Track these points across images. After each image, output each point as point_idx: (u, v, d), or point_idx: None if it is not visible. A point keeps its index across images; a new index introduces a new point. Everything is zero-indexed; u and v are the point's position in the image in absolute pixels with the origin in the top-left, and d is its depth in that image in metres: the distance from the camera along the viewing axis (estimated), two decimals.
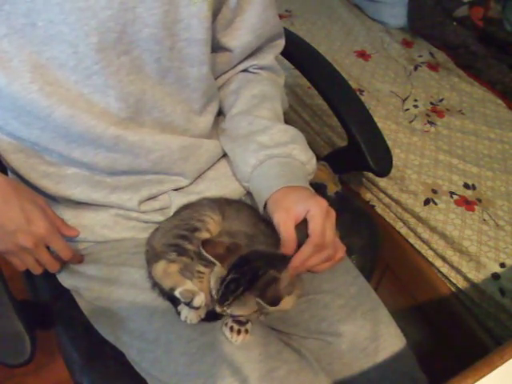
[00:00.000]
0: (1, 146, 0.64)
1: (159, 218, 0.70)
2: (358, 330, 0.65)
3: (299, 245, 0.60)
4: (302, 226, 0.61)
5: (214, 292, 0.55)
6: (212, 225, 0.63)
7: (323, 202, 0.61)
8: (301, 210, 0.60)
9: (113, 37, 0.56)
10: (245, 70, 0.78)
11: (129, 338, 0.63)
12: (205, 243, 0.56)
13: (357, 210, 0.96)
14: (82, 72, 0.57)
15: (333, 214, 0.62)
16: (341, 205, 0.93)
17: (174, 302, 0.61)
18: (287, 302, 0.57)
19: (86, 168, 0.66)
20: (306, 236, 0.60)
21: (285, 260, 0.58)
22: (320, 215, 0.59)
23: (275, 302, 0.53)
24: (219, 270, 0.55)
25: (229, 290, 0.53)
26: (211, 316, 0.59)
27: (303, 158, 0.69)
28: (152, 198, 0.70)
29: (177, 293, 0.57)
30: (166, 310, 0.62)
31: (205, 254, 0.56)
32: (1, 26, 0.53)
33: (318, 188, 0.92)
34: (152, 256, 0.64)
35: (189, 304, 0.57)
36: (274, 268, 0.56)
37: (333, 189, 0.94)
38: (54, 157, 0.65)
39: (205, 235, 0.62)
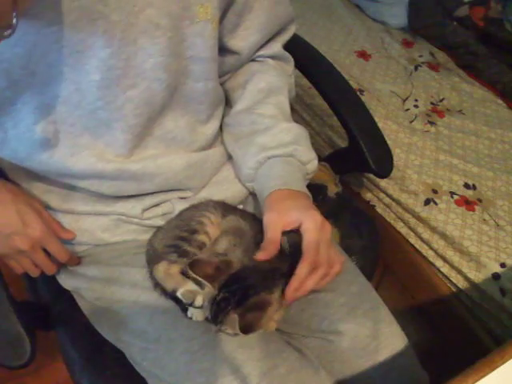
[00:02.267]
0: (1, 163, 0.64)
1: (161, 222, 0.70)
2: (359, 328, 0.65)
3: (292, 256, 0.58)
4: (293, 238, 0.59)
5: (207, 311, 0.55)
6: (210, 227, 0.63)
7: (318, 216, 0.59)
8: (293, 219, 0.59)
9: (116, 73, 0.55)
10: (251, 60, 0.76)
11: (130, 337, 0.63)
12: (192, 264, 0.55)
13: (357, 210, 0.96)
14: (85, 107, 0.57)
15: (328, 228, 0.60)
16: (341, 205, 0.93)
17: (178, 300, 0.61)
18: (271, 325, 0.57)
19: (93, 193, 0.66)
20: (297, 247, 0.58)
21: (277, 278, 0.57)
22: (314, 230, 0.57)
23: (246, 329, 0.52)
24: (209, 290, 0.54)
25: (220, 309, 0.53)
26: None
27: (304, 158, 0.68)
28: (155, 205, 0.70)
29: (178, 294, 0.57)
30: (167, 310, 0.61)
31: (192, 275, 0.54)
32: (1, 80, 0.53)
33: (319, 189, 0.92)
34: (153, 256, 0.64)
35: (191, 304, 0.57)
36: (267, 288, 0.55)
37: (333, 189, 0.94)
38: (58, 184, 0.65)
39: (203, 238, 0.62)
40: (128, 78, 0.57)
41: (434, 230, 1.10)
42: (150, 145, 0.65)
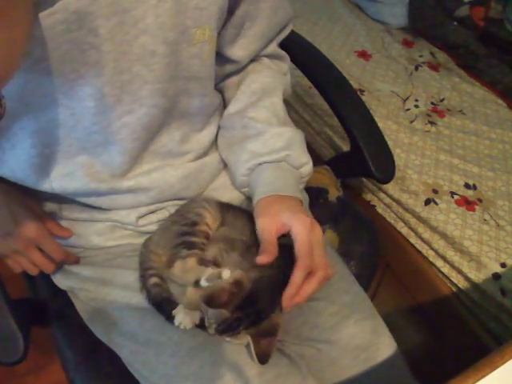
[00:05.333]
0: None
1: (156, 228, 0.69)
2: (350, 338, 0.64)
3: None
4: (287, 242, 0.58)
5: (212, 321, 0.54)
6: (209, 219, 0.63)
7: (306, 219, 0.58)
8: (283, 222, 0.58)
9: (111, 100, 0.54)
10: None
11: (121, 339, 0.63)
12: (207, 301, 0.53)
13: (358, 216, 0.95)
14: (82, 131, 0.56)
15: (318, 229, 0.59)
16: (342, 210, 0.92)
17: (162, 308, 0.60)
18: None
19: (89, 205, 0.66)
20: (291, 253, 0.57)
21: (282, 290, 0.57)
22: (304, 233, 0.56)
23: (264, 359, 0.53)
24: (222, 312, 0.53)
25: (231, 328, 0.53)
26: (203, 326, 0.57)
27: (296, 163, 0.67)
28: (150, 212, 0.69)
29: (203, 282, 0.55)
30: (157, 313, 0.61)
31: (213, 310, 0.54)
32: None
33: (320, 193, 0.91)
34: (146, 259, 0.63)
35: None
36: (275, 306, 0.55)
37: (334, 194, 0.93)
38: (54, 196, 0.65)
39: (204, 228, 0.61)
40: (123, 105, 0.56)
41: (434, 230, 1.10)
42: (144, 160, 0.64)
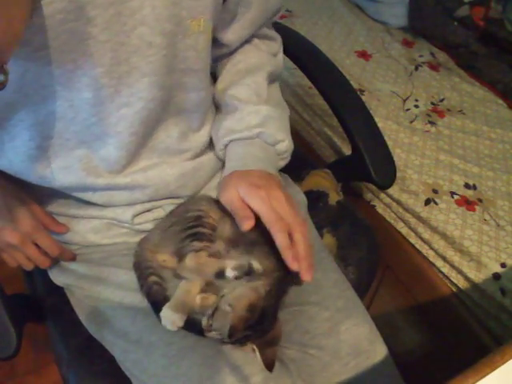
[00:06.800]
0: None
1: (151, 227, 0.69)
2: (341, 345, 0.64)
3: None
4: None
5: (218, 334, 0.54)
6: (212, 212, 0.63)
7: (259, 190, 0.58)
8: (242, 195, 0.59)
9: (109, 91, 0.55)
10: None
11: (113, 337, 0.64)
12: (230, 335, 0.53)
13: (357, 221, 0.95)
14: (81, 123, 0.57)
15: (277, 193, 0.59)
16: (341, 215, 0.92)
17: (159, 308, 0.59)
18: None
19: (85, 201, 0.66)
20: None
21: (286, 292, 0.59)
22: (263, 205, 0.57)
23: (270, 367, 0.55)
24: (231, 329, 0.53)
25: (238, 342, 0.54)
26: (197, 330, 0.57)
27: (270, 140, 0.68)
28: (146, 211, 0.70)
29: (229, 272, 0.55)
30: (149, 312, 0.61)
31: (220, 325, 0.54)
32: None
33: (320, 196, 0.91)
34: (141, 259, 0.63)
35: (250, 272, 0.55)
36: (277, 313, 0.57)
37: (335, 198, 0.93)
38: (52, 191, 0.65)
39: (210, 220, 0.61)
40: (121, 97, 0.56)
41: (434, 230, 1.10)
42: (142, 157, 0.65)
